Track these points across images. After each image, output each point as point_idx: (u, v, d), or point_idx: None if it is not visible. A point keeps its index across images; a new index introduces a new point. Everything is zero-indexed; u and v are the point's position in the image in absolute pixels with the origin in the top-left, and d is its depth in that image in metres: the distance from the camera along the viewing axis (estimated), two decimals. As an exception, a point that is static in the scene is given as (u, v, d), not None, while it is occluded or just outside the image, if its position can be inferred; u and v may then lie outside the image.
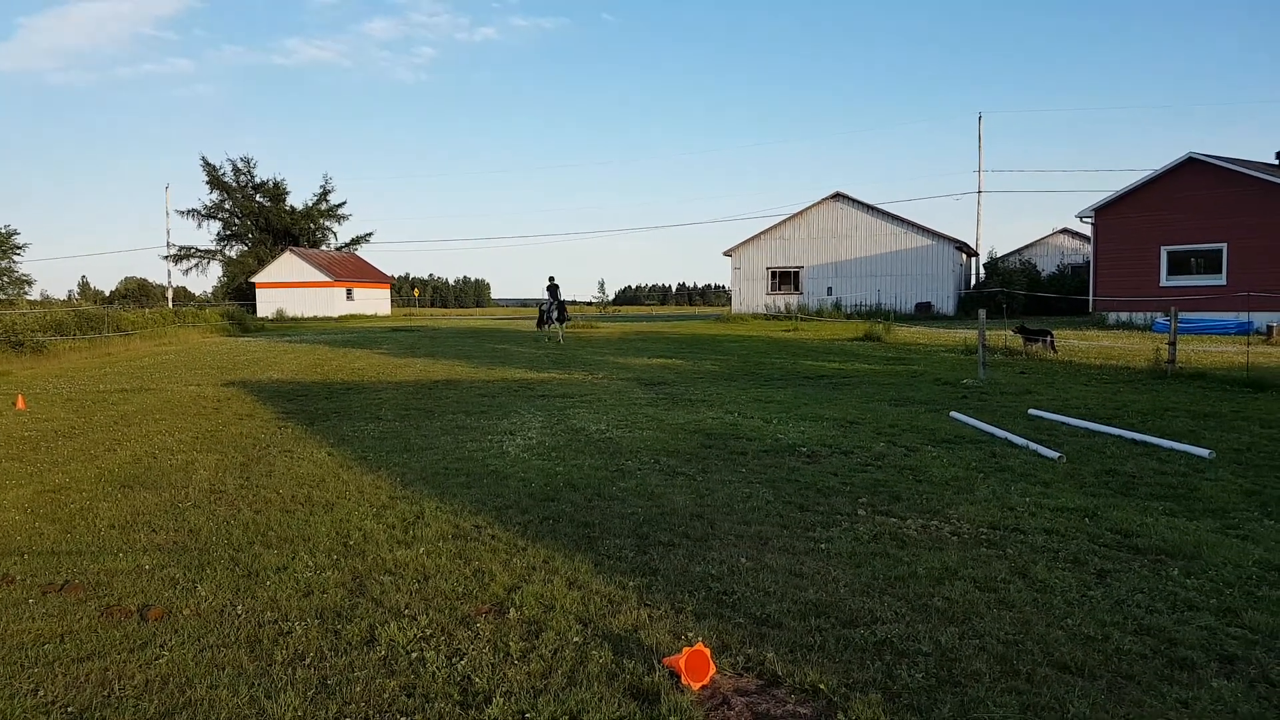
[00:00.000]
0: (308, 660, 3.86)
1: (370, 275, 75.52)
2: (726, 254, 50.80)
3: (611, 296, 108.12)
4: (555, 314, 28.76)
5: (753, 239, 50.13)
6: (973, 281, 51.64)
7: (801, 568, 4.99)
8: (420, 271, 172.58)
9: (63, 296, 78.84)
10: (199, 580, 4.93)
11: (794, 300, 47.39)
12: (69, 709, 3.45)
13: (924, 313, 44.36)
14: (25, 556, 5.43)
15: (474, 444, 9.10)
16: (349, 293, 69.14)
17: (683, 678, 3.51)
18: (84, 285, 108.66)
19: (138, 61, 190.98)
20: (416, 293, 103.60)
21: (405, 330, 39.87)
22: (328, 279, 66.98)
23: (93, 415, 11.76)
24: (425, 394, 13.81)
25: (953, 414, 10.51)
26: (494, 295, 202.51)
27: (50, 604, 4.59)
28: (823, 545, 5.42)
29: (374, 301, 72.68)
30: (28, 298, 63.84)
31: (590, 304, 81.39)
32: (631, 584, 4.74)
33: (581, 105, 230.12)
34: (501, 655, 3.87)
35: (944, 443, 8.78)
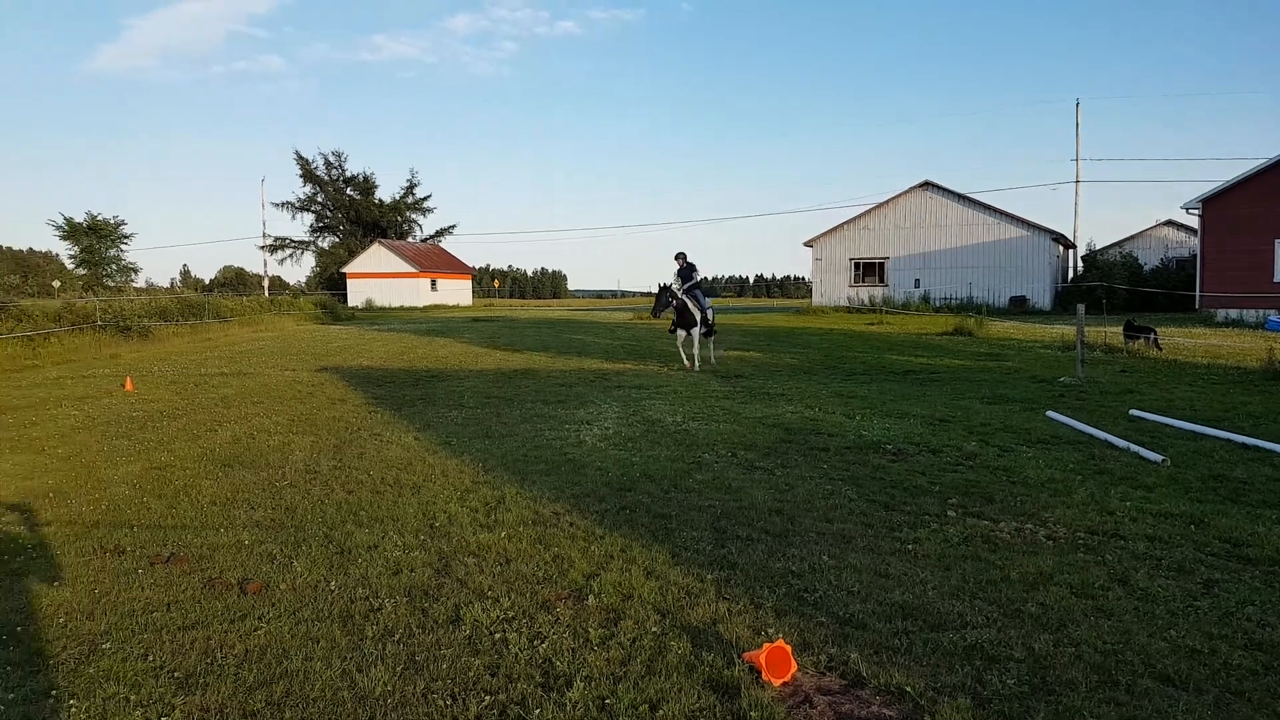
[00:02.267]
0: (397, 637, 4.02)
1: (453, 266, 77.09)
2: (807, 244, 49.97)
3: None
4: (688, 313, 16.31)
5: (835, 229, 49.06)
6: (1070, 275, 49.85)
7: (887, 568, 4.92)
8: (500, 263, 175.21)
9: (166, 284, 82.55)
10: (295, 556, 5.17)
11: (879, 293, 46.09)
12: (175, 674, 3.66)
13: (1018, 307, 42.83)
14: (135, 529, 5.76)
15: (552, 432, 9.25)
16: (433, 283, 70.73)
17: (763, 673, 3.52)
18: (185, 273, 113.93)
19: (231, 59, 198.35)
20: (496, 284, 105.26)
21: (485, 320, 40.58)
22: (413, 270, 68.62)
23: (195, 397, 12.34)
24: (505, 382, 14.08)
25: (1049, 413, 10.21)
26: (570, 286, 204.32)
27: (157, 574, 4.87)
28: (909, 546, 5.33)
29: (456, 292, 74.18)
30: (134, 285, 67.10)
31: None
32: (709, 577, 4.78)
33: (659, 95, 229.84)
34: (581, 641, 3.96)
35: (1040, 443, 8.53)
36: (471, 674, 3.64)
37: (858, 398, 11.91)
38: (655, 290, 17.14)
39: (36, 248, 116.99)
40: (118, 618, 4.25)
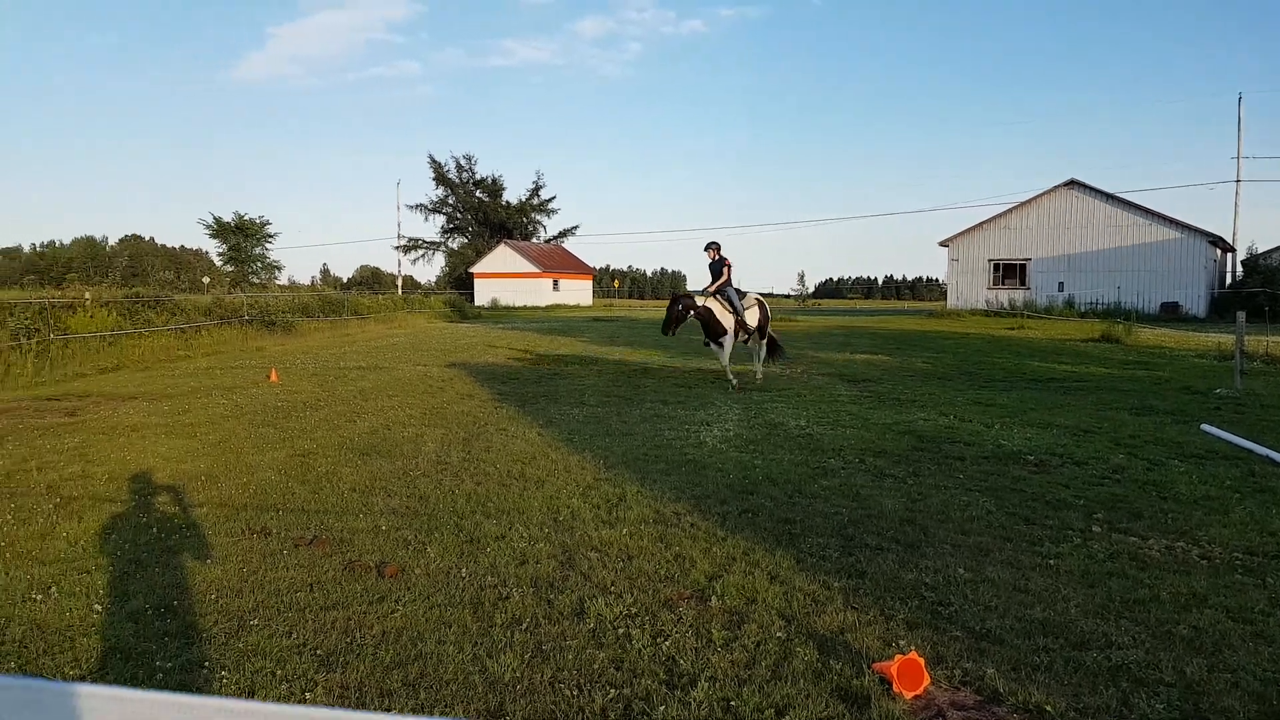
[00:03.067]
0: (524, 625, 4.11)
1: (575, 267, 78.46)
2: (943, 244, 48.26)
3: (811, 289, 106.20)
4: (715, 322, 13.59)
5: (973, 229, 47.16)
6: (1228, 280, 46.59)
7: (1026, 583, 4.71)
8: (620, 263, 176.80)
9: (307, 282, 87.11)
10: (428, 543, 5.36)
11: (1019, 296, 43.98)
12: (317, 652, 3.85)
13: (1170, 313, 40.25)
14: (280, 512, 6.09)
15: (672, 432, 9.28)
16: (555, 283, 72.17)
17: (894, 685, 3.43)
18: (325, 272, 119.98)
19: (368, 65, 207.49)
20: (616, 284, 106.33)
21: (605, 320, 41.11)
22: (537, 270, 70.24)
23: (335, 389, 12.97)
24: (625, 381, 14.22)
25: (1204, 426, 9.55)
26: (690, 287, 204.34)
27: (301, 556, 5.14)
28: (1051, 561, 5.09)
29: (577, 292, 75.46)
30: (278, 282, 71.05)
31: (788, 296, 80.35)
32: (837, 584, 4.69)
33: (785, 92, 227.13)
34: (704, 641, 3.95)
35: (1193, 457, 8.00)
36: (596, 666, 3.69)
37: (996, 406, 11.44)
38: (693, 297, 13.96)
39: (188, 245, 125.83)
40: (264, 596, 4.50)
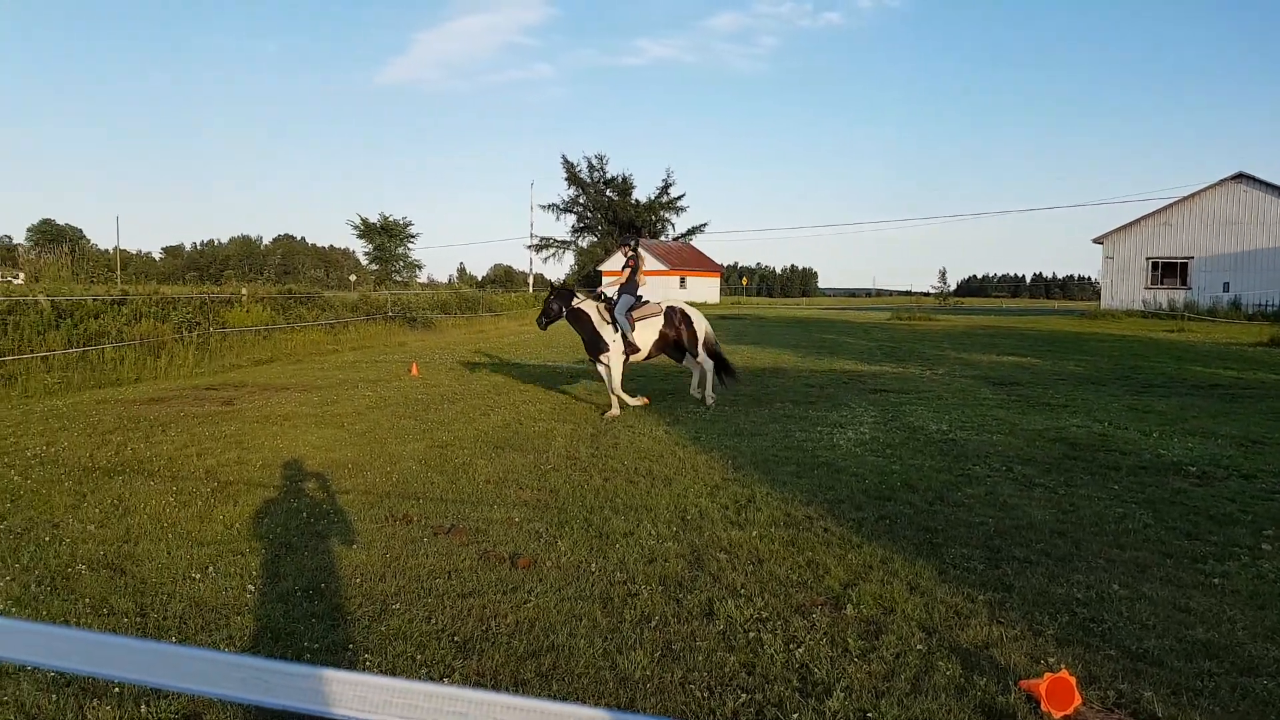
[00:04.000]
0: (654, 623, 4.09)
1: (702, 264, 78.37)
2: (1096, 241, 45.64)
3: (953, 287, 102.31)
4: (594, 335, 10.76)
5: (1130, 225, 44.45)
6: None
7: (1188, 602, 4.38)
8: (748, 260, 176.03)
9: (445, 280, 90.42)
10: (559, 536, 5.42)
11: (1179, 296, 41.24)
12: (455, 638, 3.94)
13: (1347, 316, 36.96)
14: (420, 501, 6.29)
15: (803, 434, 9.09)
16: (682, 281, 72.32)
17: (1042, 704, 3.23)
18: (461, 270, 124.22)
19: (505, 68, 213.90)
20: (745, 281, 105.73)
21: (732, 318, 40.83)
22: (664, 268, 70.56)
23: (470, 384, 13.37)
24: (753, 381, 14.04)
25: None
26: (821, 285, 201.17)
27: (439, 544, 5.29)
28: (1215, 580, 4.71)
29: (704, 290, 75.33)
30: (419, 280, 73.94)
31: (928, 294, 77.67)
32: (981, 597, 4.46)
33: (923, 83, 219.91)
34: (840, 650, 3.83)
35: (1373, 473, 7.26)
36: (727, 670, 3.63)
37: (1155, 413, 10.70)
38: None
39: (336, 245, 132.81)
40: (405, 581, 4.65)
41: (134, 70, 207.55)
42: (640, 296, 11.19)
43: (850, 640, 3.92)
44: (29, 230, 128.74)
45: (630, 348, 10.82)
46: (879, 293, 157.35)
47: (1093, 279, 67.99)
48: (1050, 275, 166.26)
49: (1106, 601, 4.42)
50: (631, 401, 10.93)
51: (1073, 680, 3.27)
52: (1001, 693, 3.42)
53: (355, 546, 5.21)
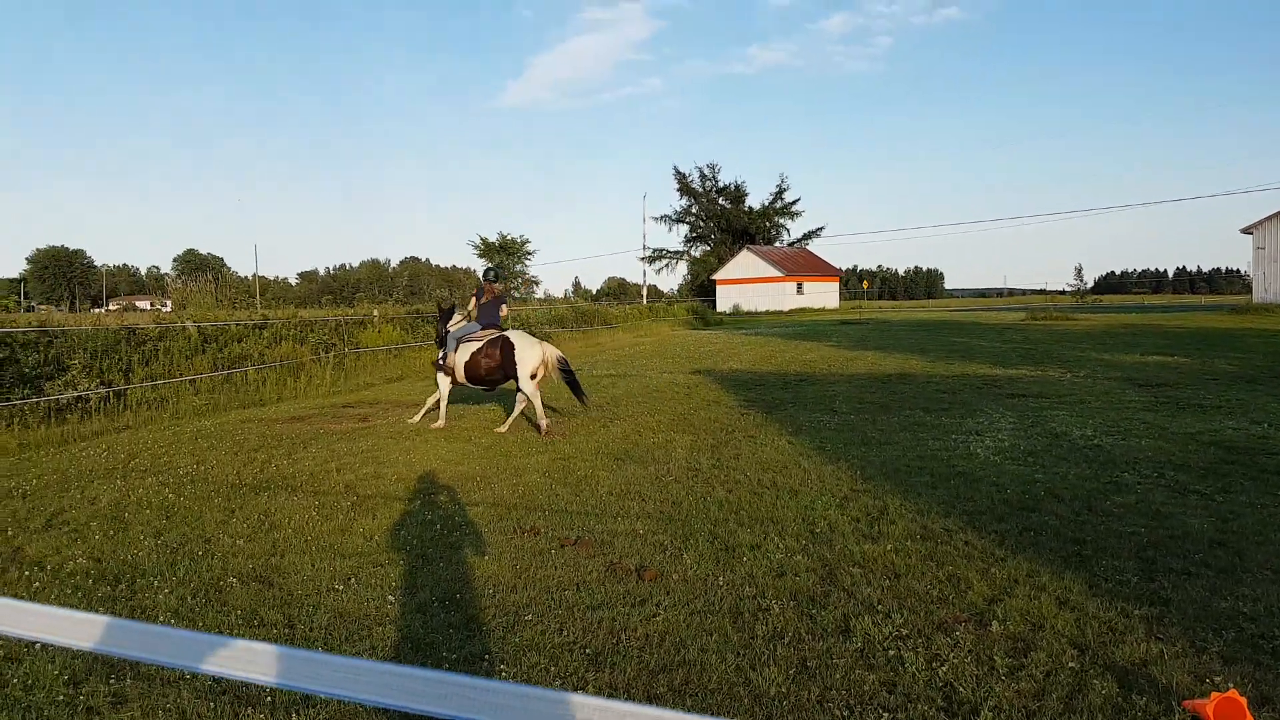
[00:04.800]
0: (787, 639, 3.97)
1: (819, 269, 77.06)
2: (1245, 231, 42.56)
3: (1090, 284, 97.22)
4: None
5: (1281, 212, 41.49)
6: None
7: (1372, 619, 3.99)
8: (868, 263, 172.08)
9: (560, 295, 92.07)
10: (684, 549, 5.36)
11: None
12: (586, 650, 3.93)
13: None
14: (546, 513, 6.35)
15: (936, 442, 8.74)
16: (799, 286, 71.30)
17: (1211, 727, 2.96)
18: (576, 284, 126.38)
19: (617, 86, 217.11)
20: (865, 285, 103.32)
21: (854, 323, 39.99)
22: (780, 274, 69.74)
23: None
24: (879, 387, 13.65)
25: None
26: (947, 285, 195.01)
27: (566, 555, 5.31)
28: (1405, 595, 4.28)
29: (822, 295, 74.08)
30: (536, 296, 75.52)
31: (1063, 293, 74.03)
32: (1137, 612, 4.17)
33: (1056, 75, 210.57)
34: (986, 668, 3.63)
35: None
36: (867, 688, 3.48)
37: (1320, 413, 9.83)
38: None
39: (458, 265, 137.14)
40: (536, 592, 4.68)
41: (270, 107, 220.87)
42: (481, 325, 11.27)
43: (997, 658, 3.71)
44: (175, 260, 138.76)
45: (447, 369, 10.98)
46: (1010, 292, 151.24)
47: (1242, 271, 63.64)
48: (1195, 269, 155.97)
49: (1276, 616, 4.07)
50: (418, 419, 11.24)
51: (1243, 701, 2.97)
52: (1164, 713, 3.19)
53: (487, 558, 5.29)
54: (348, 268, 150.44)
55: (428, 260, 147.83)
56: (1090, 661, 3.67)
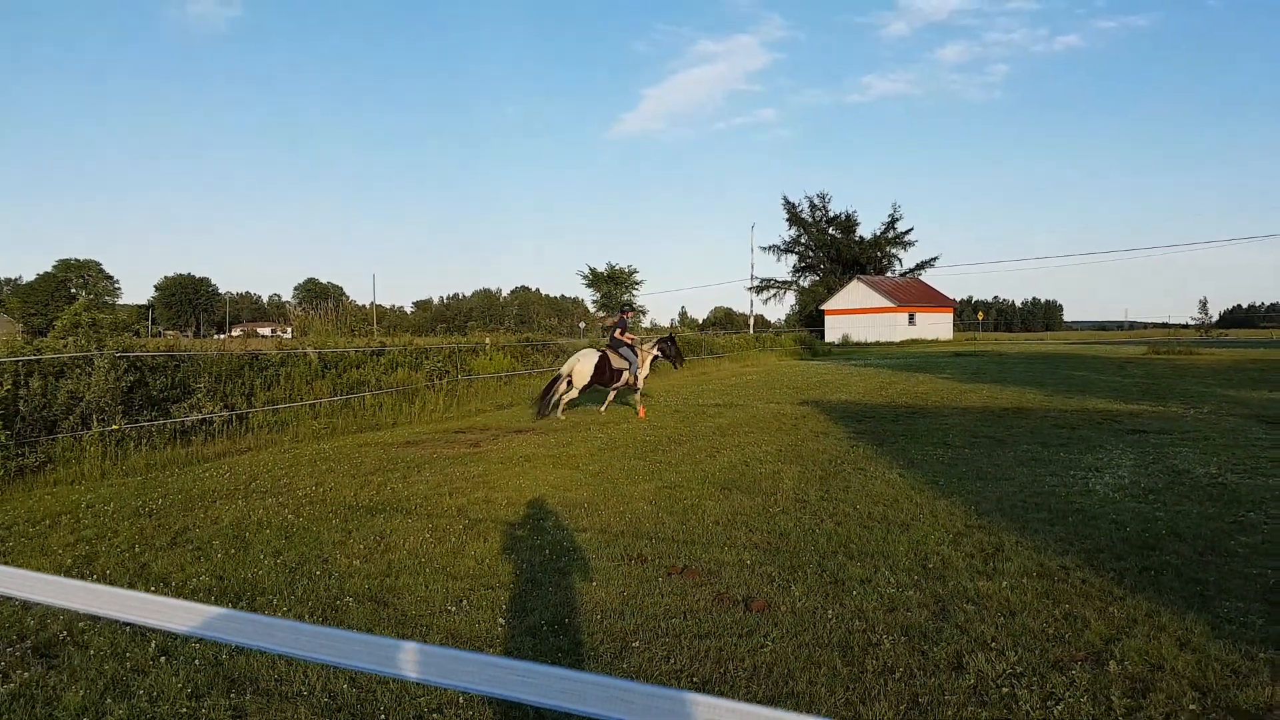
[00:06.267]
0: (897, 675, 3.95)
1: (932, 300, 75.23)
2: (1388, 264, 39.92)
3: (1215, 317, 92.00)
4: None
5: None
6: None
7: None
8: (983, 294, 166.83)
9: (667, 324, 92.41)
10: (792, 581, 5.37)
11: None
12: (694, 679, 3.99)
13: None
14: (653, 540, 6.45)
15: (1053, 478, 8.47)
16: (911, 317, 69.75)
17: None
18: (683, 314, 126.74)
19: (730, 116, 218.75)
20: (980, 316, 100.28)
21: (968, 355, 38.83)
22: (891, 304, 68.42)
23: (695, 425, 13.58)
24: (994, 421, 13.27)
25: None
26: (1066, 318, 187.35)
27: (674, 584, 5.39)
28: None
29: (935, 326, 72.22)
30: (644, 325, 76.10)
31: (1186, 326, 70.29)
32: (1262, 655, 3.99)
33: (1177, 100, 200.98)
34: (1104, 709, 3.54)
35: None
36: (979, 727, 3.44)
37: None
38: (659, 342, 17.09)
39: (567, 294, 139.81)
40: (643, 619, 4.77)
41: (390, 142, 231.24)
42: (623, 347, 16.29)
43: (1114, 698, 3.61)
44: (295, 288, 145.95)
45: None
46: (1131, 325, 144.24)
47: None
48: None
49: None
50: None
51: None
52: (1302, 770, 3.03)
53: (594, 583, 5.41)
54: (460, 297, 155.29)
55: (537, 290, 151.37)
56: (1212, 704, 3.54)
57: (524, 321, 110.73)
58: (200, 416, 12.98)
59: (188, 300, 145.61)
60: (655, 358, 16.75)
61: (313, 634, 1.41)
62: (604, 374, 15.71)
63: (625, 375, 16.01)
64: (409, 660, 1.33)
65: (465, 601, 5.16)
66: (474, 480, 9.11)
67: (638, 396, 16.60)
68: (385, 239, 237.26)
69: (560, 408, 15.66)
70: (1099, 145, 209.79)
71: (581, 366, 15.51)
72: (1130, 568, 5.45)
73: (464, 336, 33.02)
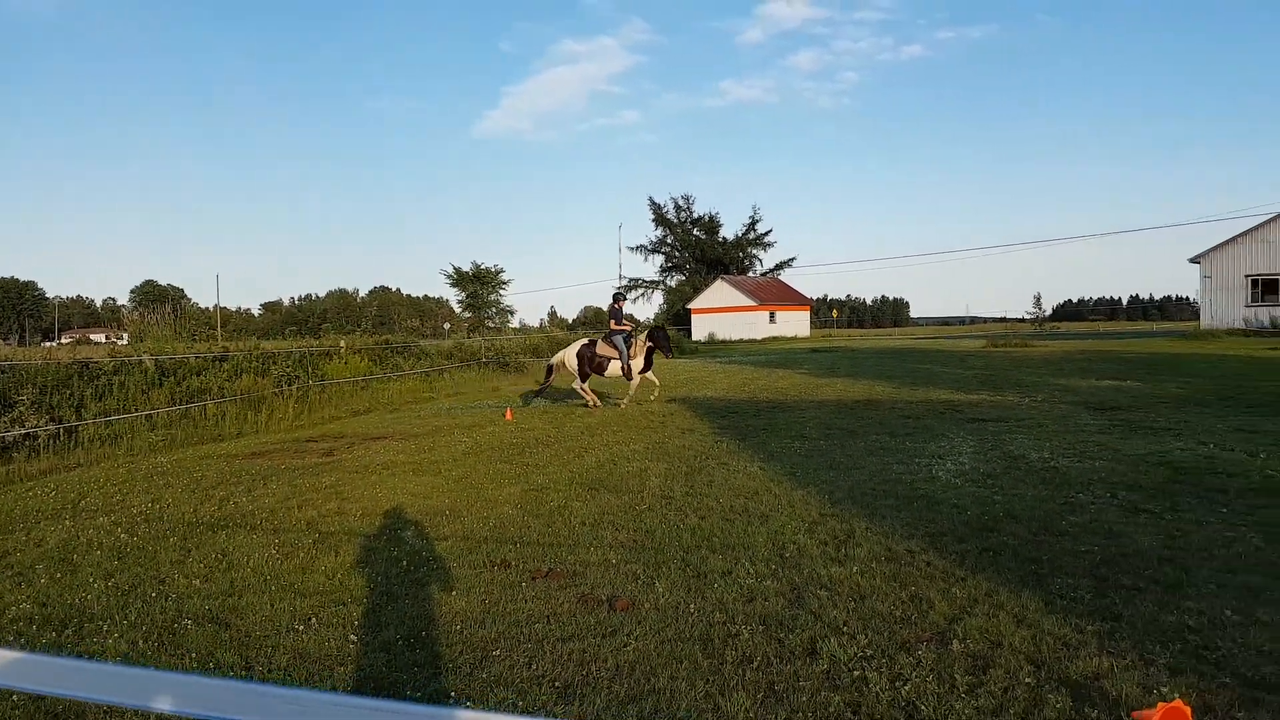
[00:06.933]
0: (755, 664, 4.04)
1: (791, 298, 77.84)
2: (1193, 260, 44.31)
3: (1049, 312, 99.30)
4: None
5: (1228, 242, 43.12)
6: None
7: (1306, 626, 4.17)
8: (838, 292, 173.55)
9: (536, 324, 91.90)
10: (656, 577, 5.41)
11: None
12: (555, 683, 3.95)
13: None
14: (517, 545, 6.36)
15: (900, 466, 8.90)
16: (771, 316, 71.91)
17: (1159, 736, 3.09)
18: (552, 314, 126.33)
19: (594, 116, 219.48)
20: (835, 314, 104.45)
21: (824, 351, 40.35)
22: (753, 303, 70.33)
23: (564, 426, 13.53)
24: (847, 413, 13.83)
25: None
26: (913, 314, 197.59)
27: (538, 588, 5.33)
28: (1334, 602, 4.48)
29: (794, 324, 74.72)
30: (511, 326, 75.13)
31: (1023, 320, 75.52)
32: (1090, 628, 4.30)
33: (1014, 111, 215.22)
34: (947, 686, 3.72)
35: None
36: (832, 709, 3.56)
37: (1262, 433, 10.17)
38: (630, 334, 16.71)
39: (430, 294, 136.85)
40: (505, 626, 4.69)
41: (235, 135, 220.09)
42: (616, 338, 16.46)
43: (957, 675, 3.81)
44: (132, 292, 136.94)
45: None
46: (973, 320, 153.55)
47: (1191, 299, 65.45)
48: (1147, 296, 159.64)
49: (1219, 628, 4.24)
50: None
51: (1188, 710, 3.11)
52: (1117, 727, 3.29)
53: (455, 593, 5.29)
54: (314, 298, 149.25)
55: (398, 290, 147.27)
56: (1046, 677, 3.78)
57: (383, 323, 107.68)
58: (23, 431, 11.97)
59: (10, 305, 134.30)
60: (650, 349, 16.58)
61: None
62: (590, 363, 16.36)
63: (616, 364, 16.23)
64: (166, 692, 1.20)
65: (314, 619, 4.93)
66: (326, 491, 8.74)
67: (631, 392, 16.71)
68: (232, 238, 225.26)
69: (586, 394, 16.50)
70: (942, 150, 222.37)
71: (566, 356, 16.63)
72: (971, 549, 5.77)
73: (317, 339, 31.76)
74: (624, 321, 16.75)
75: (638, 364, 16.37)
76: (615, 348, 16.32)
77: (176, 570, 6.02)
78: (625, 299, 17.61)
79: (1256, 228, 42.27)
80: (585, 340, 16.97)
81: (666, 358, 18.02)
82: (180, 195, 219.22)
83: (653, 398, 16.88)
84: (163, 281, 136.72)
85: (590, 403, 16.29)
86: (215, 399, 15.95)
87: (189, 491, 9.01)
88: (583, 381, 16.66)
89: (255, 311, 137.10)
